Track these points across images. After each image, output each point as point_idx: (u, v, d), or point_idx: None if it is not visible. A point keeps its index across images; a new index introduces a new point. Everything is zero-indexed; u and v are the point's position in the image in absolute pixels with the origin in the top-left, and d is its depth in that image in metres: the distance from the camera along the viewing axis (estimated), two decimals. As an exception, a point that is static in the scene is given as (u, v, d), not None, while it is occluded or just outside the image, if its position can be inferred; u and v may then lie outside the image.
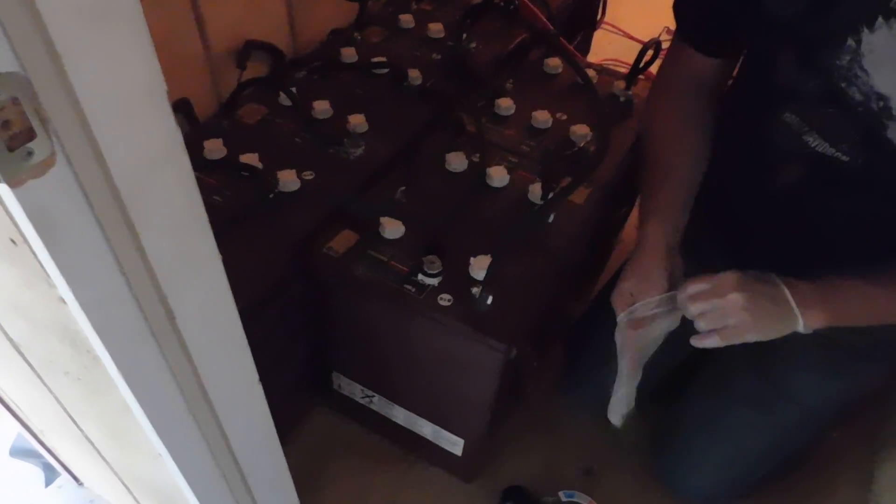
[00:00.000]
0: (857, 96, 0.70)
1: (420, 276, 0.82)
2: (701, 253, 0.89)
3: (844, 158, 0.74)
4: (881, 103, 0.69)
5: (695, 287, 0.77)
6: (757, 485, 1.06)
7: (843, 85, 0.70)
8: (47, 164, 0.34)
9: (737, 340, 0.76)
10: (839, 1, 0.67)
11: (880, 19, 0.65)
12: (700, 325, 0.77)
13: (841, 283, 0.76)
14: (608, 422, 1.19)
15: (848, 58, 0.69)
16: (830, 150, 0.75)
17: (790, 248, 0.80)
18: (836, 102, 0.72)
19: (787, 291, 0.75)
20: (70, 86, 0.33)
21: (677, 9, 0.88)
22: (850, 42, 0.68)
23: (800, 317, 0.74)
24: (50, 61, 0.32)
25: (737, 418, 0.99)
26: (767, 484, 1.07)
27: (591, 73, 1.15)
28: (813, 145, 0.76)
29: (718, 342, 0.76)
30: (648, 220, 0.85)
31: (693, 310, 0.77)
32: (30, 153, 0.33)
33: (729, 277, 0.76)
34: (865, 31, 0.67)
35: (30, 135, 0.33)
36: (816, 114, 0.75)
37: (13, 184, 0.33)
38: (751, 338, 0.76)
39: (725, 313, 0.75)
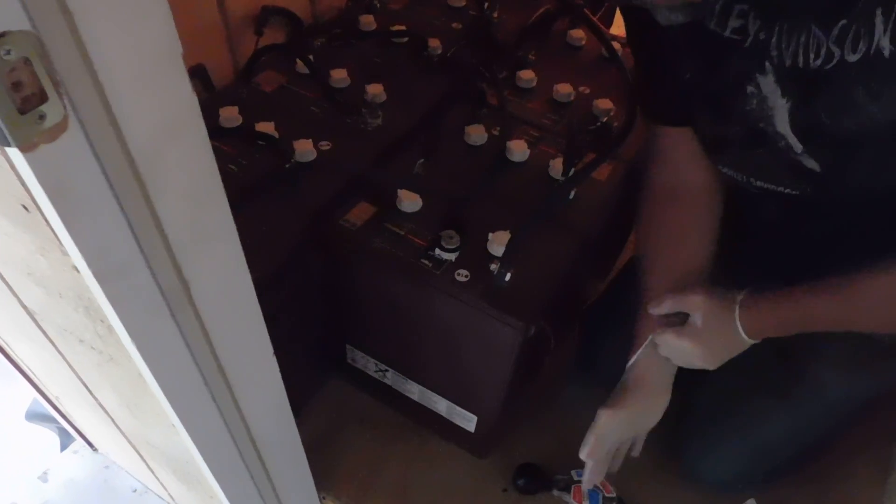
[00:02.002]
0: (772, 135, 0.72)
1: (437, 251, 0.80)
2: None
3: (794, 193, 0.76)
4: (783, 142, 0.71)
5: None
6: (774, 474, 1.04)
7: (762, 125, 0.72)
8: (60, 127, 0.33)
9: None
10: (728, 55, 0.70)
11: (767, 64, 0.68)
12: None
13: (798, 300, 0.77)
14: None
15: (755, 101, 0.71)
16: (775, 189, 0.77)
17: (783, 265, 0.82)
18: (761, 143, 0.73)
19: (737, 311, 0.78)
20: (83, 46, 0.32)
21: (637, 95, 0.92)
22: (751, 88, 0.71)
23: (743, 335, 0.78)
24: (63, 19, 0.31)
25: (757, 405, 0.98)
26: (784, 475, 1.06)
27: (616, 45, 1.12)
28: (759, 186, 0.78)
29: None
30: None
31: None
32: (42, 116, 0.32)
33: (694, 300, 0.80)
34: (759, 76, 0.70)
35: (42, 97, 0.31)
36: (748, 159, 0.77)
37: (25, 148, 0.32)
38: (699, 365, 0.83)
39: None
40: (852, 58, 0.61)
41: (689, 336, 0.81)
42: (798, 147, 0.71)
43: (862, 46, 0.60)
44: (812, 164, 0.71)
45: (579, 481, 0.98)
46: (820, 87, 0.65)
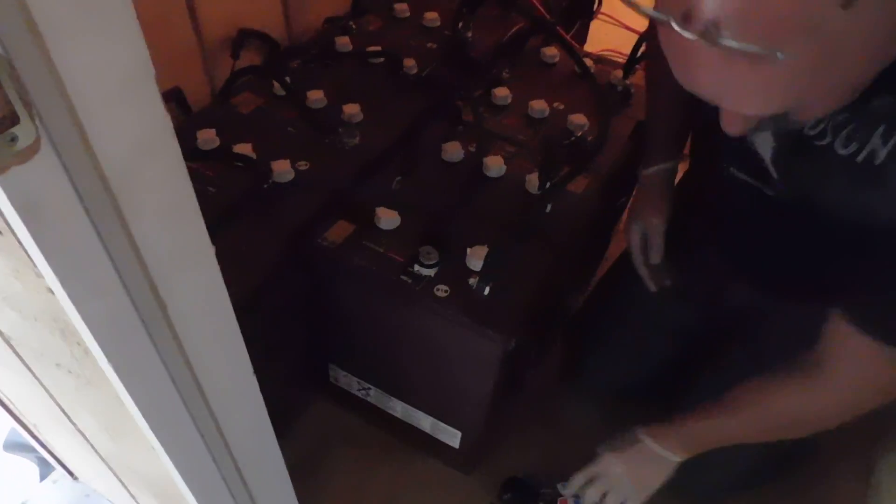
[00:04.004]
0: (754, 147, 0.73)
1: (416, 267, 0.81)
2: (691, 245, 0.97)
3: (769, 192, 0.76)
4: (763, 163, 0.71)
5: (580, 478, 0.94)
6: (757, 479, 1.05)
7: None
8: (32, 149, 0.33)
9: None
10: None
11: None
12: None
13: (694, 423, 0.87)
14: (609, 411, 1.19)
15: None
16: (754, 183, 0.77)
17: (752, 258, 0.86)
18: (744, 142, 0.73)
19: (649, 441, 0.89)
20: (55, 68, 0.32)
21: None
22: None
23: (672, 457, 0.88)
24: (33, 42, 0.31)
25: None
26: (767, 479, 1.06)
27: (588, 62, 1.14)
28: (739, 177, 0.78)
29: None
30: (650, 164, 0.96)
31: (589, 499, 0.93)
32: (13, 139, 0.32)
33: (605, 460, 0.92)
34: None
35: (13, 119, 0.31)
36: (735, 147, 0.76)
37: (-3, 171, 0.32)
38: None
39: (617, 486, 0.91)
40: (841, 151, 0.61)
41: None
42: (774, 174, 0.71)
43: (854, 147, 0.60)
44: (784, 192, 0.72)
45: (563, 496, 0.99)
46: (807, 151, 0.65)
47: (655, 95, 0.96)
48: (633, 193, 1.04)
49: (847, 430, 1.10)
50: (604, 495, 0.93)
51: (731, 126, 0.59)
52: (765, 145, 0.71)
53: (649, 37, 1.04)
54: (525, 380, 1.11)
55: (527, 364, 0.92)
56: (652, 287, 1.01)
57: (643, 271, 1.01)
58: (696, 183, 1.00)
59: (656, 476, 0.90)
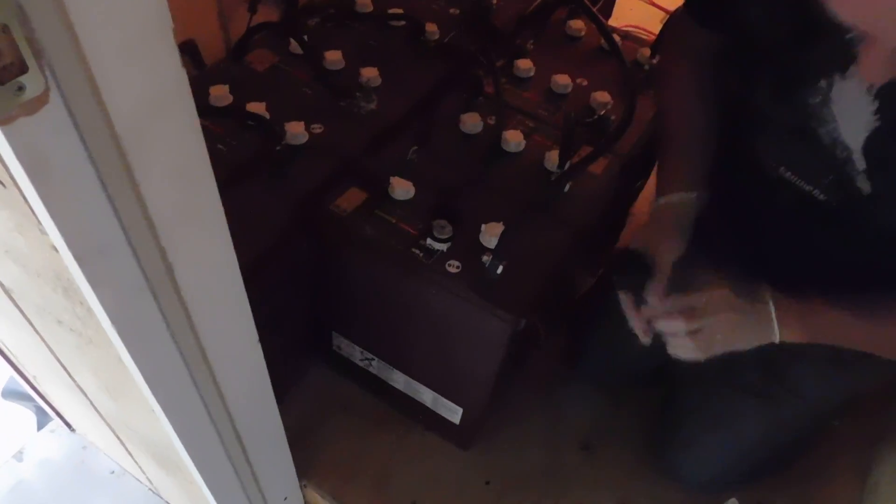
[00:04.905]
0: (826, 139, 0.68)
1: (429, 241, 0.79)
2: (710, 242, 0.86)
3: (821, 197, 0.72)
4: (845, 154, 0.67)
5: (679, 303, 0.75)
6: (754, 474, 1.05)
7: (813, 124, 0.68)
8: (40, 100, 0.31)
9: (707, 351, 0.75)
10: (821, 38, 0.64)
11: (853, 67, 0.63)
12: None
13: (827, 311, 0.74)
14: (609, 396, 1.18)
15: (819, 98, 0.67)
16: (805, 186, 0.73)
17: (779, 271, 0.77)
18: (806, 140, 0.69)
19: (772, 310, 0.73)
20: (67, 14, 0.30)
21: None
22: (823, 83, 0.66)
23: (777, 333, 0.73)
24: (45, -14, 0.29)
25: (737, 405, 0.98)
26: (764, 475, 1.06)
27: (615, 37, 1.10)
28: (787, 178, 0.74)
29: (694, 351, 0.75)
30: (665, 192, 0.82)
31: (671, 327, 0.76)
32: (20, 88, 0.30)
33: (718, 295, 0.74)
34: (838, 75, 0.64)
35: (21, 68, 0.30)
36: (788, 147, 0.73)
37: (2, 121, 0.30)
38: (719, 349, 0.75)
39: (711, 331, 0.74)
40: None
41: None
42: (861, 165, 0.67)
43: None
44: (865, 185, 0.67)
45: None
46: None
47: (677, 112, 0.86)
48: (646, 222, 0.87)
49: (845, 429, 1.10)
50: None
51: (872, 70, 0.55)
52: (856, 132, 0.65)
53: (665, 40, 0.97)
54: (528, 360, 1.10)
55: (534, 344, 0.90)
56: (646, 340, 0.83)
57: (636, 324, 0.82)
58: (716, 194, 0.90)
59: (747, 342, 0.75)
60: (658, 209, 0.83)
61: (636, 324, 0.80)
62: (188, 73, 0.38)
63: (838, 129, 0.67)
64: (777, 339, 0.73)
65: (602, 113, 0.98)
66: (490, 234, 0.79)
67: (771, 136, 0.75)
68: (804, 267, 0.77)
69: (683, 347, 0.76)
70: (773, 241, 0.84)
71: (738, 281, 0.74)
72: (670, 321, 0.76)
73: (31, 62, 0.30)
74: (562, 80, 1.02)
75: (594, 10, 1.11)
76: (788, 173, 0.74)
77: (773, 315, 0.73)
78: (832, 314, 0.73)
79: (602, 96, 0.99)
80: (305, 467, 1.02)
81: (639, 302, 0.79)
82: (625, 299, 0.81)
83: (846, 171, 0.68)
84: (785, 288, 0.75)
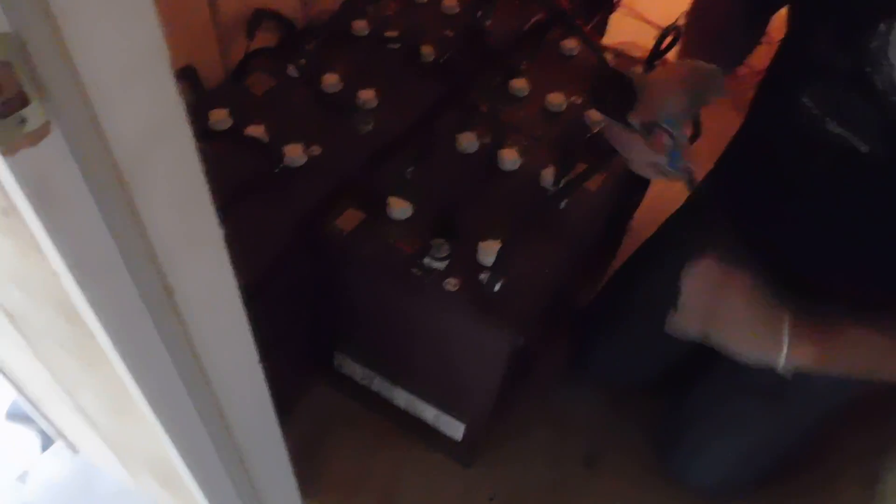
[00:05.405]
0: (880, 85, 0.68)
1: (427, 260, 0.80)
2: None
3: (863, 149, 0.72)
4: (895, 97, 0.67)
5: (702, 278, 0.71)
6: (761, 478, 1.04)
7: (868, 70, 0.68)
8: (42, 132, 0.32)
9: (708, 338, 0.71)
10: None
11: None
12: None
13: (849, 329, 0.69)
14: (613, 405, 1.18)
15: (877, 42, 0.67)
16: (849, 138, 0.72)
17: (812, 241, 0.76)
18: (859, 88, 0.69)
19: (786, 325, 0.68)
20: (67, 50, 0.31)
21: None
22: (882, 26, 0.66)
23: (785, 348, 0.68)
24: (45, 22, 0.30)
25: (744, 408, 0.98)
26: (770, 481, 1.06)
27: (608, 56, 1.12)
28: (833, 130, 0.74)
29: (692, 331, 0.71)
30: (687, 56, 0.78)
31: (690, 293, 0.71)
32: (23, 120, 0.31)
33: (740, 281, 0.70)
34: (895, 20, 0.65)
35: (23, 101, 0.31)
36: (839, 97, 0.73)
37: (5, 152, 0.31)
38: (715, 339, 0.71)
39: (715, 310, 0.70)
40: None
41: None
42: None
43: None
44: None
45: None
46: None
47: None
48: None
49: (854, 438, 1.10)
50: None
51: None
52: None
53: None
54: (530, 374, 1.11)
55: (533, 359, 0.91)
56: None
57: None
58: (753, 151, 0.88)
59: (749, 347, 0.70)
60: (674, 64, 0.79)
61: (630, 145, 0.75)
62: (188, 97, 0.39)
63: (893, 73, 0.66)
64: (782, 360, 0.69)
65: (596, 130, 0.99)
66: (487, 252, 0.79)
67: (823, 87, 0.74)
68: (835, 242, 0.75)
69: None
70: (806, 210, 0.81)
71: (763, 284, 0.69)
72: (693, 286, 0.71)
73: (32, 96, 0.31)
74: (556, 99, 1.03)
75: (586, 29, 1.13)
76: (834, 124, 0.73)
77: (787, 330, 0.68)
78: (855, 333, 0.69)
79: (596, 114, 1.01)
80: (309, 485, 1.02)
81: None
82: (613, 127, 0.77)
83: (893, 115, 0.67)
84: (811, 271, 0.71)
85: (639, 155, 0.75)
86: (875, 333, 0.69)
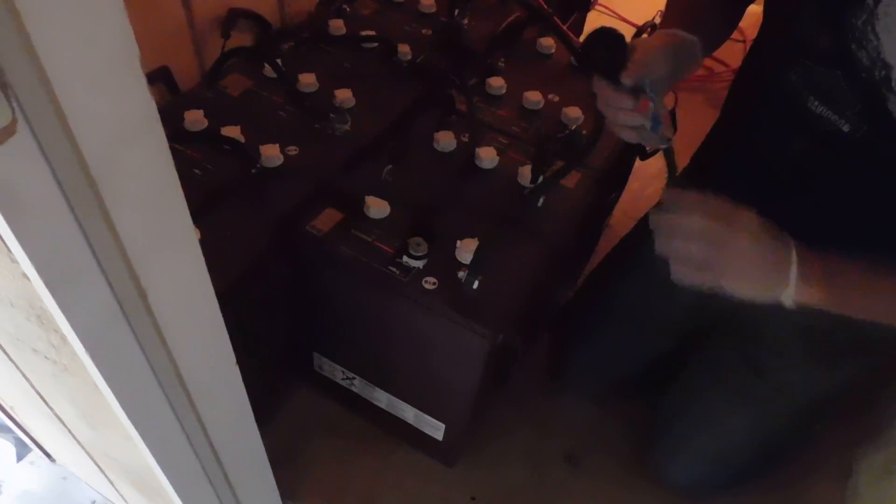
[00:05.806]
0: (865, 61, 0.68)
1: (405, 258, 0.80)
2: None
3: (845, 128, 0.72)
4: (884, 72, 0.67)
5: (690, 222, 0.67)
6: (740, 478, 1.05)
7: (853, 46, 0.68)
8: (7, 131, 0.31)
9: (709, 282, 0.67)
10: None
11: None
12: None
13: (850, 268, 0.67)
14: (594, 406, 1.19)
15: (863, 17, 0.66)
16: (832, 117, 0.72)
17: (795, 222, 0.71)
18: (843, 65, 0.69)
19: (794, 258, 0.66)
20: (32, 47, 0.30)
21: None
22: (869, 1, 0.65)
23: (793, 288, 0.66)
24: (10, 18, 0.29)
25: (723, 407, 0.99)
26: (750, 479, 1.07)
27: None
28: (815, 111, 0.74)
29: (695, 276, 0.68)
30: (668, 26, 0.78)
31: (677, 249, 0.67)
32: (-13, 119, 0.30)
33: (745, 217, 0.67)
34: None
35: (-13, 99, 0.30)
36: (822, 76, 0.73)
37: (-31, 152, 0.30)
38: (726, 285, 0.67)
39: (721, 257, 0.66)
40: None
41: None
42: None
43: None
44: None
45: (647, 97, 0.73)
46: None
47: None
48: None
49: (828, 435, 1.12)
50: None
51: None
52: None
53: None
54: (510, 374, 1.11)
55: (513, 358, 0.91)
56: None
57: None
58: (733, 137, 0.89)
59: (757, 287, 0.67)
60: (659, 32, 0.78)
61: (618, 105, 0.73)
62: (162, 98, 0.38)
63: (880, 47, 0.66)
64: (791, 297, 0.66)
65: (573, 128, 0.99)
66: (465, 250, 0.79)
67: (806, 66, 0.74)
68: (817, 225, 0.72)
69: (691, 270, 0.68)
70: (788, 193, 0.81)
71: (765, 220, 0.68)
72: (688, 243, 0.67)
73: (-4, 94, 0.30)
74: (533, 97, 1.03)
75: (564, 27, 1.13)
76: (816, 103, 0.73)
77: (794, 262, 0.66)
78: (857, 274, 0.68)
79: (573, 111, 1.01)
80: (290, 490, 1.01)
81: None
82: (601, 85, 0.74)
83: (880, 94, 0.67)
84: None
85: (624, 116, 0.73)
86: (884, 279, 0.67)
